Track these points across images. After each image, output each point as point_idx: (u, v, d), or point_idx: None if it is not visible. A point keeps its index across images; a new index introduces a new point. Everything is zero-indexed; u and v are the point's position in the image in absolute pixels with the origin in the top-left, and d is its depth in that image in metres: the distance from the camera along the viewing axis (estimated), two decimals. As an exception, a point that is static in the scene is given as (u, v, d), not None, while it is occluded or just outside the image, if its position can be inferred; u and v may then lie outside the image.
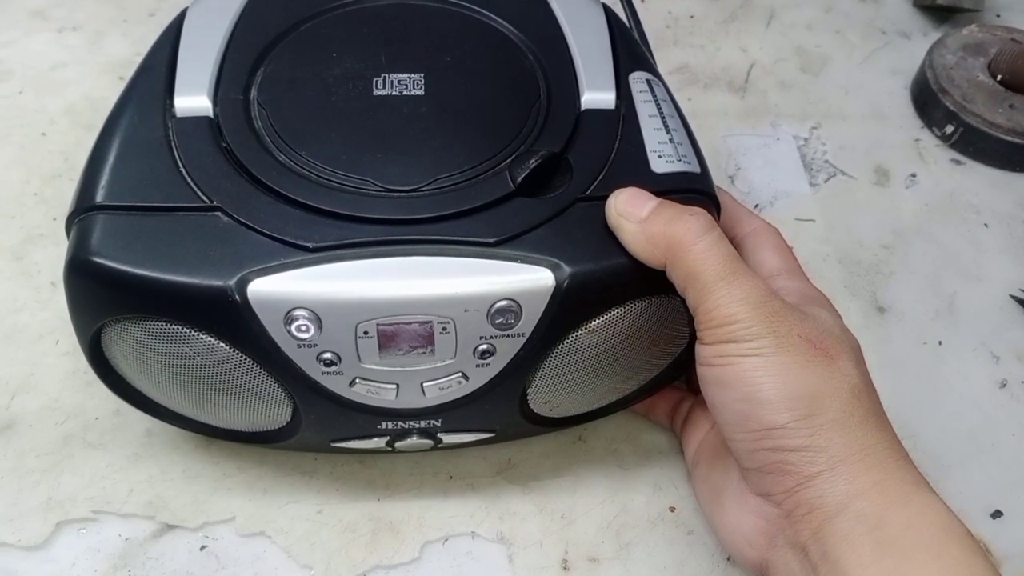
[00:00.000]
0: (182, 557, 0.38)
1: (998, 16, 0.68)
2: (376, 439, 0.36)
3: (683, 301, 0.33)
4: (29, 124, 0.54)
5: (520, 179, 0.34)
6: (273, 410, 0.35)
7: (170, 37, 0.39)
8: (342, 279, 0.31)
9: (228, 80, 0.37)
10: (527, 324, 0.32)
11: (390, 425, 0.36)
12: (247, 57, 0.38)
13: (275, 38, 0.39)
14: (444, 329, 0.32)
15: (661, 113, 0.37)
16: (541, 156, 0.34)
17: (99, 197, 0.33)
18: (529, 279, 0.31)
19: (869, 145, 0.58)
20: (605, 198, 0.33)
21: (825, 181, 0.55)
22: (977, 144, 0.56)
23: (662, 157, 0.36)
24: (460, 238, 0.32)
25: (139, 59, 0.39)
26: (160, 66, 0.38)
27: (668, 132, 0.37)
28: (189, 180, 0.33)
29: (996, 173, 0.56)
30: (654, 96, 0.38)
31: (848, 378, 0.31)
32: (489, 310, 0.31)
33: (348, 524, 0.39)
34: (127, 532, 0.38)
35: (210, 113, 0.36)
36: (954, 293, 0.50)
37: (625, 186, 0.33)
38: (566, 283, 0.31)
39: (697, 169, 0.36)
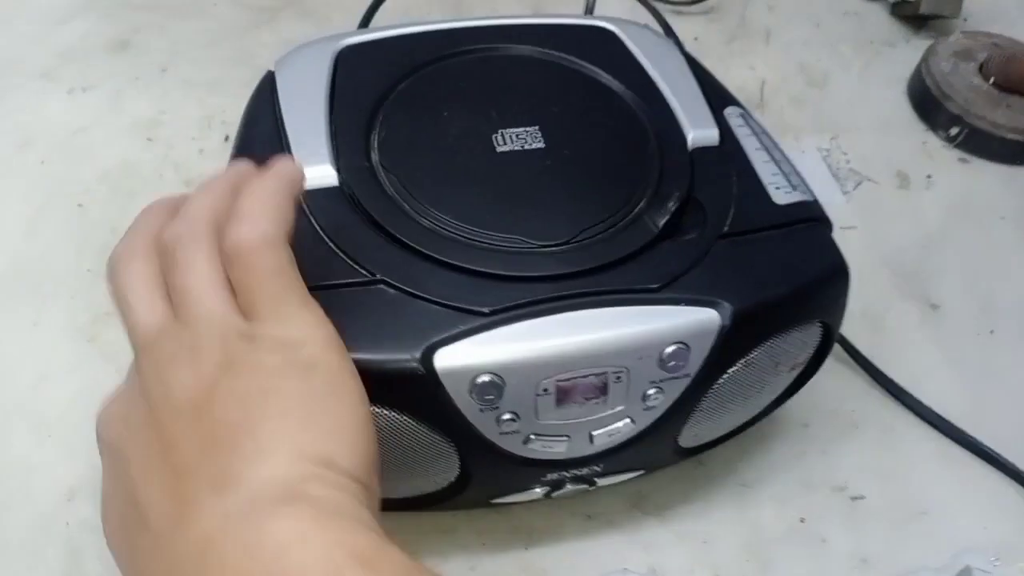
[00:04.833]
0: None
1: (965, 20, 0.73)
2: (537, 490, 0.37)
3: (822, 324, 0.34)
4: (65, 195, 0.51)
5: (663, 223, 0.35)
6: (441, 472, 0.35)
7: (265, 106, 0.39)
8: (523, 340, 0.31)
9: (345, 147, 0.37)
10: (694, 364, 0.33)
11: (554, 476, 0.36)
12: (357, 121, 0.37)
13: (377, 99, 0.39)
14: (618, 378, 0.32)
15: (764, 145, 0.39)
16: (678, 199, 0.35)
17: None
18: (696, 320, 0.32)
19: (883, 151, 0.61)
20: (744, 234, 0.35)
21: (855, 188, 0.59)
22: (982, 144, 0.61)
23: (780, 189, 0.37)
24: (625, 287, 0.33)
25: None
26: (264, 138, 0.37)
27: (776, 164, 0.39)
28: (342, 254, 0.33)
29: (1003, 168, 0.61)
30: (752, 129, 0.40)
31: None
32: (661, 355, 0.32)
33: (501, 577, 0.39)
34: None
35: (335, 182, 0.35)
36: (992, 284, 0.54)
37: (756, 220, 0.35)
38: (731, 320, 0.33)
39: (811, 197, 0.38)
